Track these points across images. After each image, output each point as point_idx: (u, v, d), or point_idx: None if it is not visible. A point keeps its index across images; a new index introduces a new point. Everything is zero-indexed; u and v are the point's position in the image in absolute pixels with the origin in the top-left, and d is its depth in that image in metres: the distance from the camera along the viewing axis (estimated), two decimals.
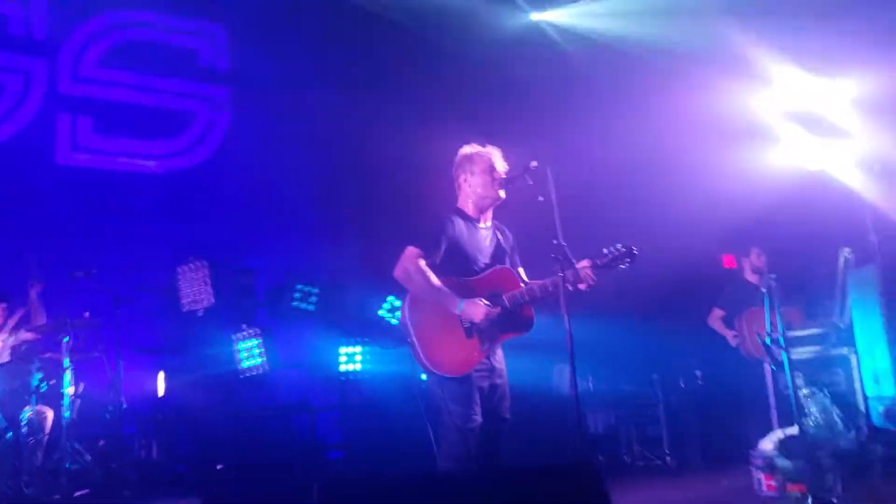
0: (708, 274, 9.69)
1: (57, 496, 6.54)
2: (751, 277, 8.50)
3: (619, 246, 4.79)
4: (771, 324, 6.37)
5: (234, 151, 9.75)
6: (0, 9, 9.03)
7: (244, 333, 8.91)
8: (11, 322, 7.14)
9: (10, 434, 6.50)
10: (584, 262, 4.74)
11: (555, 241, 4.57)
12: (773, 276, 6.30)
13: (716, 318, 8.65)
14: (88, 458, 6.93)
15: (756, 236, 8.90)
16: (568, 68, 9.43)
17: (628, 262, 4.79)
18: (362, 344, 9.49)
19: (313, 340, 9.59)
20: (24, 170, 8.78)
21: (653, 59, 8.70)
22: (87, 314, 7.16)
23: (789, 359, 6.18)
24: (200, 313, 8.69)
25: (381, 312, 9.77)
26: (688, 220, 9.12)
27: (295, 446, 8.89)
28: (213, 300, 8.69)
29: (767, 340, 6.38)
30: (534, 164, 4.73)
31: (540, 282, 4.74)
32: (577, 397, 4.34)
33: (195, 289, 8.72)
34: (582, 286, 4.70)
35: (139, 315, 8.25)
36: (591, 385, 9.66)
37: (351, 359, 9.45)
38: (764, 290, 6.27)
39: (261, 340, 8.89)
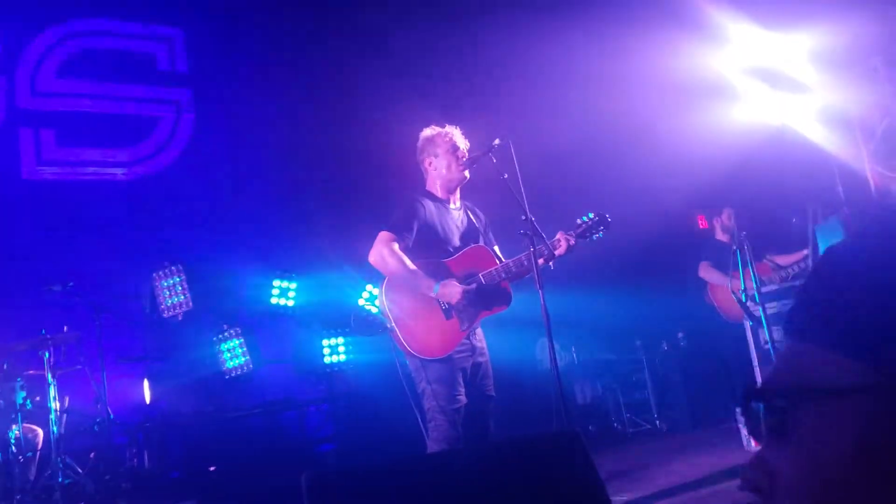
0: (682, 236, 9.76)
1: None
2: (722, 237, 8.52)
3: (591, 215, 4.85)
4: (744, 281, 6.43)
5: (200, 152, 9.68)
6: None
7: (225, 334, 8.91)
8: None
9: None
10: (557, 236, 4.80)
11: (523, 217, 4.62)
12: (743, 233, 6.35)
13: (706, 268, 8.42)
14: (81, 471, 6.91)
15: (725, 195, 8.94)
16: (522, 39, 9.41)
17: (603, 230, 4.86)
18: (344, 335, 9.51)
19: (295, 335, 9.60)
20: None
21: (607, 23, 8.69)
22: (65, 328, 7.13)
23: (766, 314, 6.25)
24: (180, 318, 8.69)
25: (359, 302, 9.79)
26: (657, 184, 9.16)
27: (285, 442, 8.91)
28: (191, 304, 8.69)
29: (743, 298, 6.43)
30: (497, 141, 4.75)
31: (514, 258, 4.78)
32: (556, 370, 4.39)
33: (172, 294, 8.71)
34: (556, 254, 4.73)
35: (119, 325, 8.23)
36: (574, 356, 9.74)
37: (334, 350, 9.46)
38: (735, 247, 6.32)
39: (242, 339, 8.90)
